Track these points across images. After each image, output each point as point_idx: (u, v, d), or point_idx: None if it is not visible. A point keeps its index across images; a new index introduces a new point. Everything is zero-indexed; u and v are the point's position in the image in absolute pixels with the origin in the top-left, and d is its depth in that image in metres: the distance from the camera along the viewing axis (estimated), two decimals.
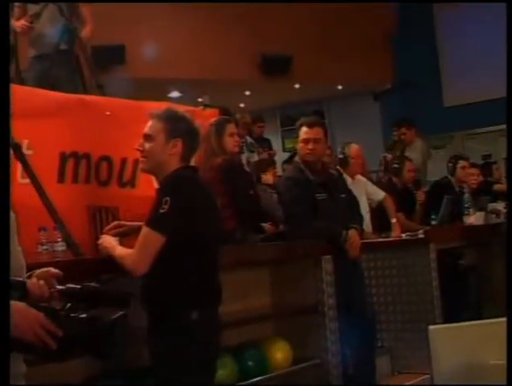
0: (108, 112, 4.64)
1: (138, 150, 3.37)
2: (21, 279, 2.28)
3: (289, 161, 8.42)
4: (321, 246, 4.71)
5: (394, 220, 6.69)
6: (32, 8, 5.36)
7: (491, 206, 7.47)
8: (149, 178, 4.08)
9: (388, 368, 5.80)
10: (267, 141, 9.69)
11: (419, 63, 12.09)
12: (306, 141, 5.06)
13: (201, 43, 10.32)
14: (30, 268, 2.43)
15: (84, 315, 2.22)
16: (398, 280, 5.83)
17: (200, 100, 8.67)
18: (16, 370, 2.26)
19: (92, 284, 2.36)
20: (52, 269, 2.39)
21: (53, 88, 4.88)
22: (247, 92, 12.37)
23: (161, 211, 3.10)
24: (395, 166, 7.67)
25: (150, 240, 3.13)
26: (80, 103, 4.55)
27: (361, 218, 5.37)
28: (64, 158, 4.35)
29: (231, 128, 5.14)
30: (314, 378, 4.63)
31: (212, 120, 5.18)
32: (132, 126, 4.18)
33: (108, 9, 7.69)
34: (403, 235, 6.25)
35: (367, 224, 6.31)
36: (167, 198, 3.11)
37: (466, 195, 7.67)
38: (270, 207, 6.17)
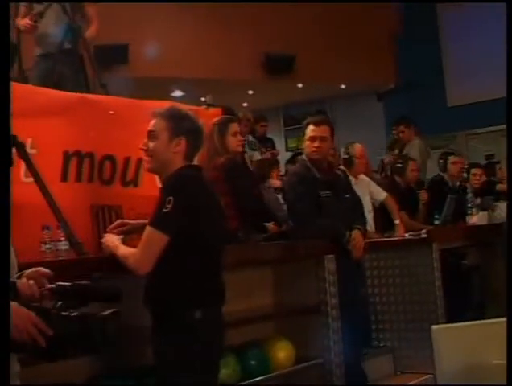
0: (111, 112, 4.64)
1: (142, 150, 3.36)
2: (11, 279, 2.27)
3: (292, 161, 8.41)
4: (324, 245, 4.71)
5: (397, 221, 6.69)
6: (37, 7, 5.36)
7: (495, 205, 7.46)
8: (152, 177, 4.08)
9: (391, 368, 5.80)
10: (270, 140, 9.69)
11: (423, 63, 12.08)
12: (312, 138, 5.06)
13: (204, 43, 10.33)
14: (34, 267, 2.43)
15: (75, 313, 2.22)
16: (401, 279, 5.82)
17: (203, 99, 8.64)
18: (11, 369, 2.26)
19: (83, 282, 2.36)
20: (42, 269, 2.39)
21: (57, 86, 4.89)
22: (250, 92, 12.37)
23: (164, 210, 3.10)
24: (398, 165, 7.67)
25: (154, 240, 3.13)
26: (83, 102, 4.55)
27: (364, 220, 5.36)
28: (67, 157, 4.36)
29: (234, 127, 5.14)
30: (316, 378, 4.62)
31: (215, 119, 5.18)
32: (135, 125, 4.19)
33: (111, 8, 7.69)
34: (406, 234, 6.24)
35: (370, 224, 6.31)
36: (171, 197, 3.10)
37: (469, 195, 7.67)
38: (273, 207, 6.18)
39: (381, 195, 6.86)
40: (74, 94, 4.66)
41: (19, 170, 3.93)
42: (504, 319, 2.98)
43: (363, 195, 6.27)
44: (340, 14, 11.41)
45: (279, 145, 11.81)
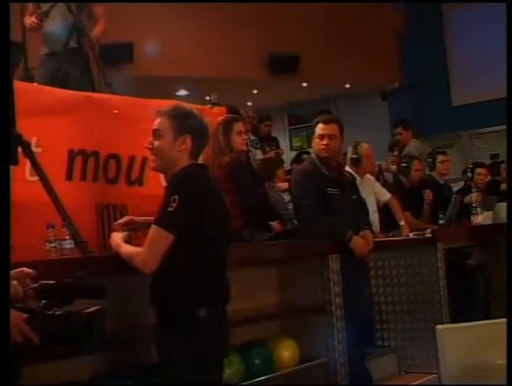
0: (116, 111, 4.65)
1: (148, 148, 3.36)
2: None
3: (297, 160, 8.40)
4: (328, 245, 4.70)
5: (402, 223, 6.68)
6: (44, 6, 5.37)
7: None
8: (157, 175, 4.09)
9: (395, 368, 5.80)
10: (275, 139, 9.68)
11: (428, 62, 12.07)
12: (321, 136, 5.03)
13: (209, 42, 10.33)
14: (39, 265, 2.43)
15: (59, 312, 2.21)
16: (406, 279, 5.82)
17: (207, 98, 8.66)
18: None
19: (67, 280, 2.35)
20: (25, 269, 2.37)
21: (62, 85, 4.89)
22: (255, 91, 12.37)
23: (170, 209, 3.09)
24: (403, 164, 7.66)
25: (159, 239, 3.12)
26: (88, 101, 4.56)
27: (368, 222, 5.34)
28: (72, 156, 4.37)
29: (239, 126, 5.14)
30: (321, 377, 4.62)
31: (220, 118, 5.19)
32: (140, 124, 4.19)
33: (116, 7, 7.69)
34: (411, 234, 6.24)
35: (375, 224, 6.30)
36: (176, 196, 3.10)
37: (474, 195, 7.67)
38: (277, 206, 6.18)
39: (386, 195, 6.86)
40: (79, 93, 4.66)
41: (24, 169, 3.94)
42: None
43: (368, 194, 6.28)
44: (345, 13, 11.41)
45: (284, 144, 11.80)
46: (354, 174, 5.99)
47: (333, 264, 4.65)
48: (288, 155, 10.72)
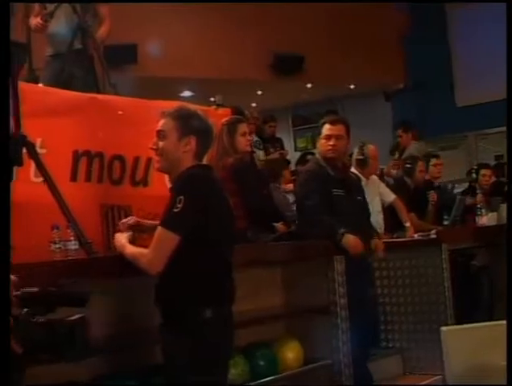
0: (120, 112, 4.65)
1: (152, 149, 3.36)
2: None
3: (302, 161, 8.39)
4: (333, 246, 4.70)
5: (407, 224, 6.67)
6: (49, 6, 5.37)
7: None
8: (161, 176, 4.09)
9: (399, 369, 5.80)
10: (279, 140, 9.68)
11: (432, 62, 12.05)
12: (328, 137, 5.02)
13: (213, 43, 10.33)
14: (44, 266, 2.42)
15: (42, 319, 2.21)
16: (410, 280, 5.82)
17: (212, 99, 8.65)
18: None
19: (50, 287, 2.34)
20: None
21: (67, 86, 4.89)
22: (259, 92, 12.37)
23: (175, 210, 3.09)
24: (408, 166, 7.65)
25: (165, 240, 3.12)
26: (93, 102, 4.56)
27: (369, 223, 5.33)
28: (76, 157, 4.36)
29: (243, 127, 5.15)
30: (325, 378, 4.62)
31: (225, 119, 5.19)
32: (144, 125, 4.18)
33: (120, 8, 7.69)
34: (415, 235, 6.24)
35: (380, 225, 6.30)
36: (181, 197, 3.10)
37: (478, 196, 7.66)
38: (282, 207, 6.18)
39: (390, 197, 6.85)
40: (84, 94, 4.66)
41: (29, 170, 3.93)
42: None
43: (373, 195, 6.27)
44: (349, 13, 11.40)
45: (288, 145, 11.79)
46: (360, 175, 5.98)
47: (338, 266, 4.64)
48: (293, 156, 10.72)
